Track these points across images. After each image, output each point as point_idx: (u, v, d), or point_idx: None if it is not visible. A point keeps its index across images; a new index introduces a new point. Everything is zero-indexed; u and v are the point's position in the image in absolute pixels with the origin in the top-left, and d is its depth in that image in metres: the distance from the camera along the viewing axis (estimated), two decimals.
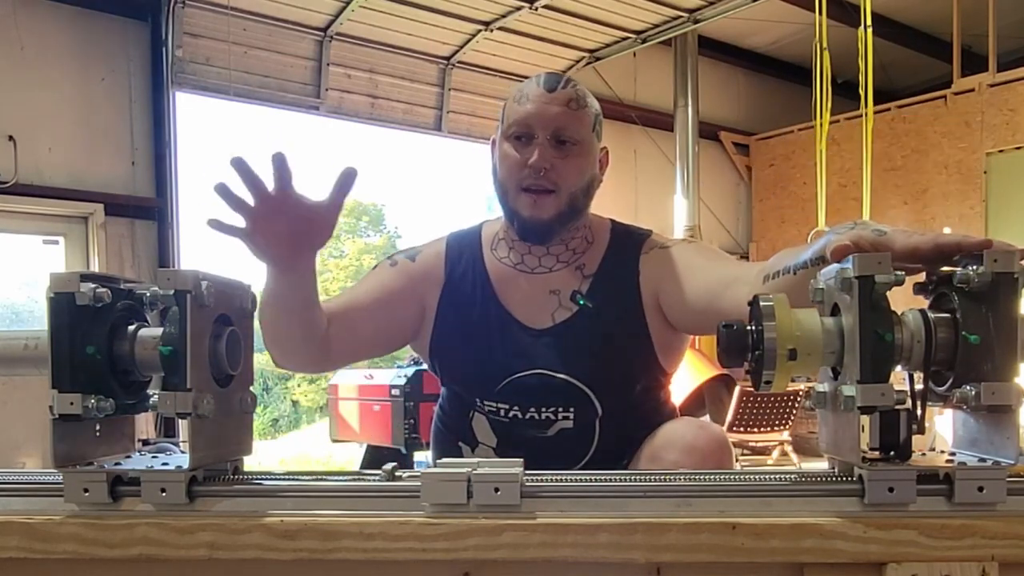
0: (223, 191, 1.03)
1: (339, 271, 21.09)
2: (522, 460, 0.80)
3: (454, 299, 1.41)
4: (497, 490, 0.76)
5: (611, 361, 1.36)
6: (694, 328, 1.39)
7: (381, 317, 1.38)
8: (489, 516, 0.76)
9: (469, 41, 6.38)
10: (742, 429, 6.02)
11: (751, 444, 6.33)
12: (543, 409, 1.35)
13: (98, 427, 0.85)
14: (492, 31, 6.23)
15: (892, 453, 0.76)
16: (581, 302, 1.37)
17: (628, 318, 1.36)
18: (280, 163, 1.03)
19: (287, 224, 1.07)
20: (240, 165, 1.03)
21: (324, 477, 0.84)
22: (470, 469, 0.77)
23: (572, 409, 1.35)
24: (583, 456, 1.37)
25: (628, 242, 1.43)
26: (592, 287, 1.38)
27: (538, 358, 1.36)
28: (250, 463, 0.93)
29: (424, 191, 37.75)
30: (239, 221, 1.06)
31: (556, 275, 1.40)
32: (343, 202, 1.10)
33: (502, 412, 1.37)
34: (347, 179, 1.08)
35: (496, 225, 1.46)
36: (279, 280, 1.17)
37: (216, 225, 1.04)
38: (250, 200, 1.05)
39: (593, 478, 0.81)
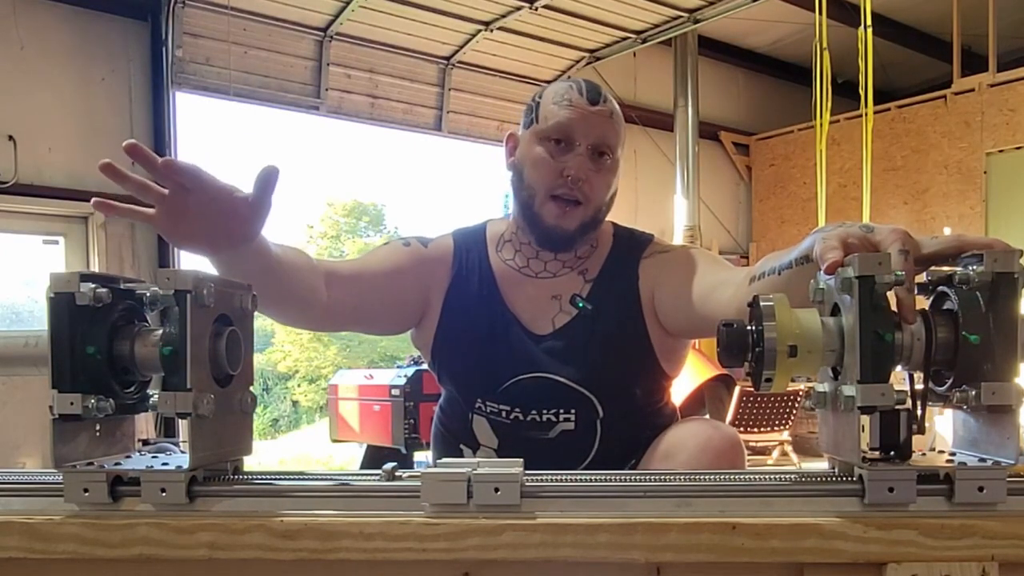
0: (110, 171, 0.91)
1: None
2: (522, 460, 0.80)
3: (460, 297, 1.40)
4: (497, 490, 0.76)
5: (611, 364, 1.36)
6: (686, 331, 1.38)
7: (387, 292, 1.35)
8: (489, 516, 0.76)
9: (469, 41, 6.39)
10: (742, 429, 6.02)
11: (751, 444, 6.33)
12: (544, 411, 1.36)
13: (98, 427, 0.85)
14: (492, 31, 6.24)
15: (892, 453, 0.76)
16: (580, 305, 1.37)
17: (627, 322, 1.36)
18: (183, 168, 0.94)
19: (199, 216, 0.96)
20: (134, 151, 0.91)
21: (324, 477, 0.84)
22: (470, 469, 0.77)
23: (573, 411, 1.35)
24: (585, 457, 1.37)
25: (630, 246, 1.43)
26: (592, 291, 1.39)
27: (540, 362, 1.36)
28: (250, 463, 0.93)
29: (424, 191, 37.81)
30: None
31: (559, 280, 1.40)
32: (269, 200, 0.98)
33: (503, 414, 1.37)
34: (268, 177, 0.97)
35: (501, 225, 1.46)
36: (212, 260, 1.04)
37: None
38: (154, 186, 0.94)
39: (593, 478, 0.81)
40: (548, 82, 6.92)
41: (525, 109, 1.40)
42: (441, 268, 1.41)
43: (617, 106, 1.37)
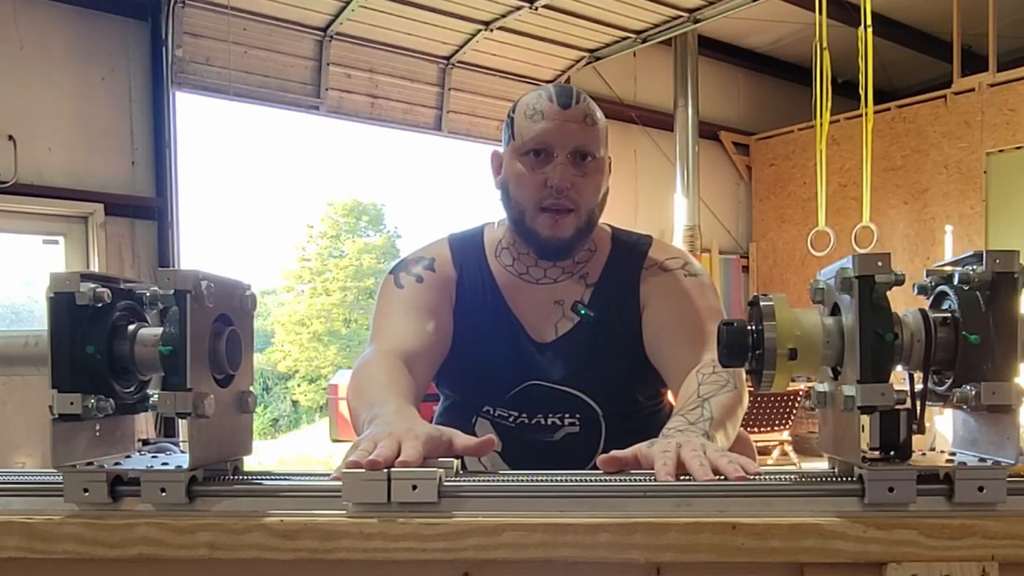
0: None
1: (339, 271, 21.11)
2: (454, 461, 0.84)
3: (465, 305, 1.40)
4: (415, 487, 0.77)
5: (613, 370, 1.36)
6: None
7: (442, 338, 1.35)
8: (489, 515, 0.76)
9: (469, 41, 6.38)
10: (742, 429, 6.01)
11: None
12: (550, 416, 1.36)
13: (98, 427, 0.86)
14: (492, 31, 6.23)
15: (892, 453, 0.76)
16: (583, 312, 1.37)
17: (628, 328, 1.36)
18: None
19: None
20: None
21: (324, 477, 0.84)
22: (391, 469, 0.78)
23: (577, 416, 1.36)
24: (589, 459, 1.37)
25: (630, 250, 1.42)
26: (594, 296, 1.39)
27: (544, 370, 1.36)
28: (250, 463, 0.93)
29: (424, 191, 37.85)
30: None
31: (560, 286, 1.39)
32: (464, 454, 0.94)
33: (510, 419, 1.38)
34: (483, 447, 0.93)
35: (499, 231, 1.45)
36: None
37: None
38: None
39: (592, 478, 0.81)
40: (548, 82, 6.92)
41: (504, 126, 1.38)
42: (449, 281, 1.41)
43: (594, 104, 1.35)
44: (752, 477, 0.80)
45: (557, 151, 1.30)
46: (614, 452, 0.89)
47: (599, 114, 1.35)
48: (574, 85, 1.41)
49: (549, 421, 1.36)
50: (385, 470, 0.77)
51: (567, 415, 1.36)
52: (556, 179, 1.29)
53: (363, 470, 0.77)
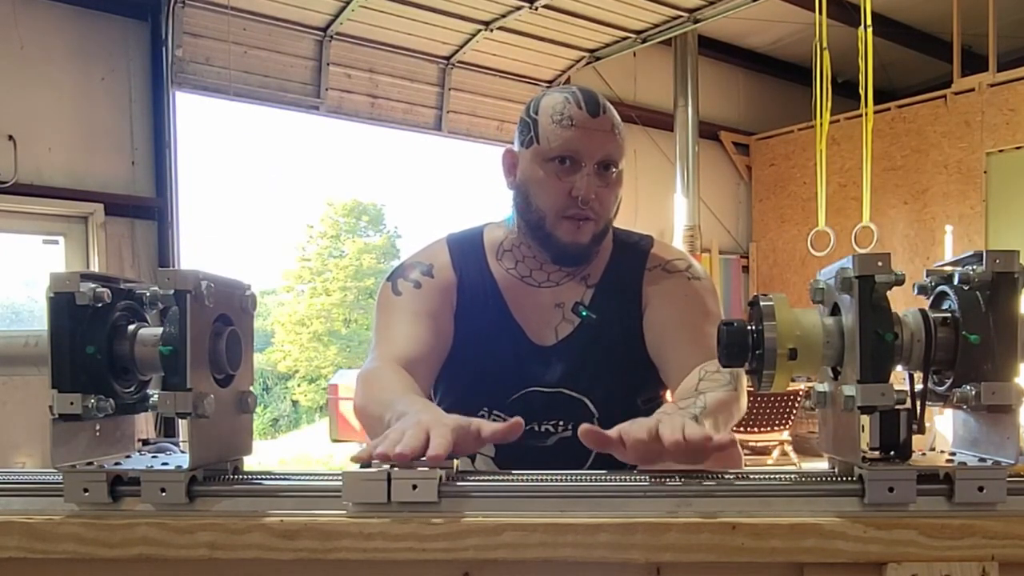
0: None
1: (339, 271, 21.12)
2: (454, 461, 0.83)
3: (466, 308, 1.38)
4: (415, 487, 0.77)
5: (613, 373, 1.36)
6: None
7: (442, 342, 1.34)
8: (489, 516, 0.76)
9: (469, 41, 6.39)
10: (742, 429, 6.03)
11: (751, 444, 6.34)
12: (544, 422, 1.35)
13: (98, 427, 0.86)
14: (492, 31, 6.24)
15: (892, 453, 0.76)
16: (584, 314, 1.36)
17: (629, 329, 1.36)
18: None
19: None
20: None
21: (324, 477, 0.84)
22: (389, 468, 0.78)
23: (572, 423, 1.35)
24: (583, 463, 1.37)
25: (631, 250, 1.42)
26: (595, 297, 1.38)
27: (544, 375, 1.35)
28: (250, 463, 0.93)
29: (424, 191, 37.87)
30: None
31: (562, 288, 1.38)
32: (492, 440, 0.94)
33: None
34: (512, 431, 0.92)
35: (499, 232, 1.43)
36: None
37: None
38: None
39: (591, 478, 0.81)
40: (548, 82, 6.92)
41: (520, 125, 1.35)
42: (450, 286, 1.39)
43: (616, 114, 1.33)
44: (717, 442, 0.84)
45: (585, 160, 1.28)
46: (598, 429, 0.89)
47: (621, 125, 1.33)
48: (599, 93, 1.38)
49: (543, 428, 1.36)
50: (386, 469, 0.77)
51: (562, 421, 1.35)
52: (583, 190, 1.27)
53: (384, 466, 0.78)
